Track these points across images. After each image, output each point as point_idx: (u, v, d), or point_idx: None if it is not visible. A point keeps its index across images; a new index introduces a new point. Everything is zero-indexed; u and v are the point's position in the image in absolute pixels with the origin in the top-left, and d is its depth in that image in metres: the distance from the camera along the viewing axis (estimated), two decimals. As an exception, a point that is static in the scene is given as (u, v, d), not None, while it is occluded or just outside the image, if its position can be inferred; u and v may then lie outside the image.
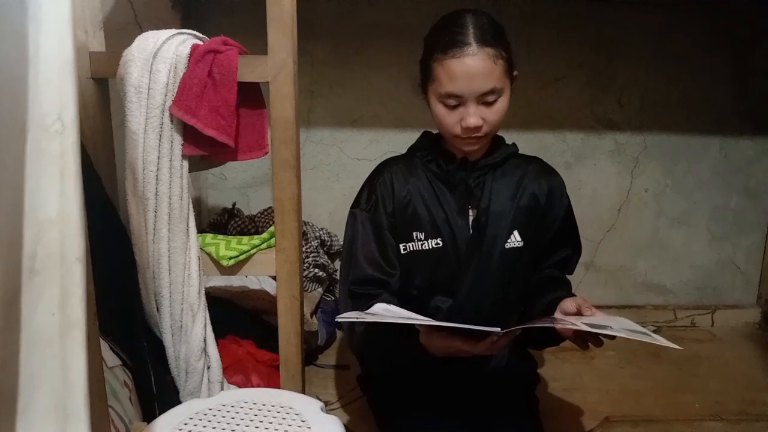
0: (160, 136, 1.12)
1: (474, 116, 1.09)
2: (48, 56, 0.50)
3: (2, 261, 0.48)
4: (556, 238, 1.27)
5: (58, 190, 0.50)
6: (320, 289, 1.81)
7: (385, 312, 1.09)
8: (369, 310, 1.09)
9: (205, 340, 1.23)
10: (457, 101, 1.10)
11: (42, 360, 0.50)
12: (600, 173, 2.03)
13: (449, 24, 1.10)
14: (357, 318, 1.05)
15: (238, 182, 1.99)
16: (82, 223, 0.52)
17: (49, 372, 0.50)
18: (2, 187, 0.49)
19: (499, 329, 0.98)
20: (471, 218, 1.22)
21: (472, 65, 1.06)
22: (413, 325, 1.09)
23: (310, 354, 1.73)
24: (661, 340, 0.98)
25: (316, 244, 1.85)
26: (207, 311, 1.23)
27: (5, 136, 0.50)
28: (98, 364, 0.69)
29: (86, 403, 0.49)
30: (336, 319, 1.09)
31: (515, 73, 1.15)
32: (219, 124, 1.13)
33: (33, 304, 0.50)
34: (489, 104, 1.10)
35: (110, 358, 1.12)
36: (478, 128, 1.11)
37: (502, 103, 1.11)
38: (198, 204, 1.96)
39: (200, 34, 1.18)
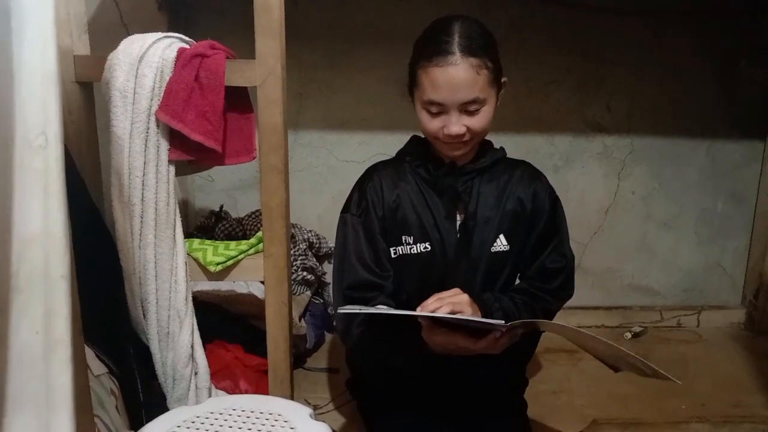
0: (146, 141, 1.11)
1: (456, 124, 1.10)
2: (31, 69, 0.49)
3: (-17, 280, 0.47)
4: (538, 244, 1.26)
5: (42, 207, 0.49)
6: (309, 292, 1.80)
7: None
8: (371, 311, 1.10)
9: (192, 347, 1.22)
10: (439, 109, 1.10)
11: (26, 379, 0.49)
12: (588, 176, 2.04)
13: (437, 31, 1.10)
14: (359, 311, 1.06)
15: (226, 185, 1.98)
16: (66, 240, 0.50)
17: (33, 391, 0.49)
18: (-18, 204, 0.48)
19: (503, 322, 1.00)
20: (458, 222, 1.22)
21: (454, 75, 1.06)
22: (412, 323, 1.09)
23: (298, 357, 1.72)
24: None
25: (305, 247, 1.84)
26: (194, 317, 1.22)
27: (-13, 151, 0.49)
28: (84, 380, 0.68)
29: (72, 424, 0.48)
30: (338, 311, 1.09)
31: (504, 80, 1.15)
32: (206, 129, 1.12)
33: (17, 323, 0.49)
34: (471, 113, 1.10)
35: (96, 365, 1.11)
36: (460, 135, 1.11)
37: (485, 113, 1.11)
38: (185, 206, 1.94)
39: (187, 38, 1.17)
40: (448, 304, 1.06)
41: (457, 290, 1.12)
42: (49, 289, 0.49)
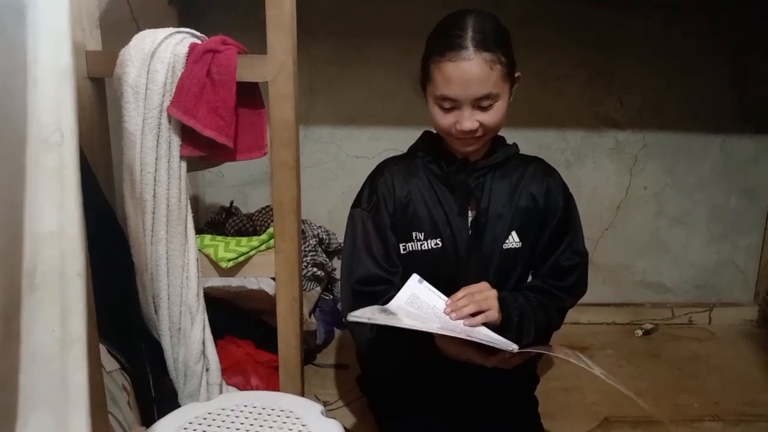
0: (158, 136, 1.11)
1: (469, 120, 1.09)
2: (46, 65, 0.48)
3: (0, 277, 0.47)
4: (552, 241, 1.25)
5: (58, 203, 0.49)
6: (318, 288, 1.80)
7: (409, 306, 1.10)
8: (390, 305, 1.10)
9: (203, 343, 1.22)
10: (452, 104, 1.09)
11: (41, 377, 0.49)
12: (600, 171, 2.02)
13: (450, 25, 1.09)
14: (368, 320, 1.05)
15: (236, 180, 1.97)
16: (82, 237, 0.50)
17: (49, 389, 0.49)
18: (-1, 201, 0.47)
19: (515, 347, 1.01)
20: (470, 219, 1.21)
21: (467, 70, 1.05)
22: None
23: (308, 353, 1.72)
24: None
25: (315, 243, 1.84)
26: (206, 313, 1.22)
27: (1, 148, 0.48)
28: (99, 378, 0.68)
29: (88, 422, 0.48)
30: (348, 318, 1.08)
31: (518, 74, 1.14)
32: (218, 124, 1.11)
33: (32, 321, 0.48)
34: (484, 108, 1.09)
35: (108, 361, 1.11)
36: (473, 131, 1.10)
37: (498, 108, 1.10)
38: (195, 202, 1.95)
39: (198, 33, 1.16)
40: (475, 303, 1.07)
41: (485, 284, 1.12)
42: (65, 287, 0.49)
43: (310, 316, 1.69)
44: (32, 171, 0.49)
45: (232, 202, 1.86)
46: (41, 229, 0.49)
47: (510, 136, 1.26)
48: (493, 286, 1.19)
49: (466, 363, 1.12)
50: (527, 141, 1.91)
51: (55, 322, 0.49)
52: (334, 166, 1.98)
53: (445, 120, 1.11)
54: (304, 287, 1.73)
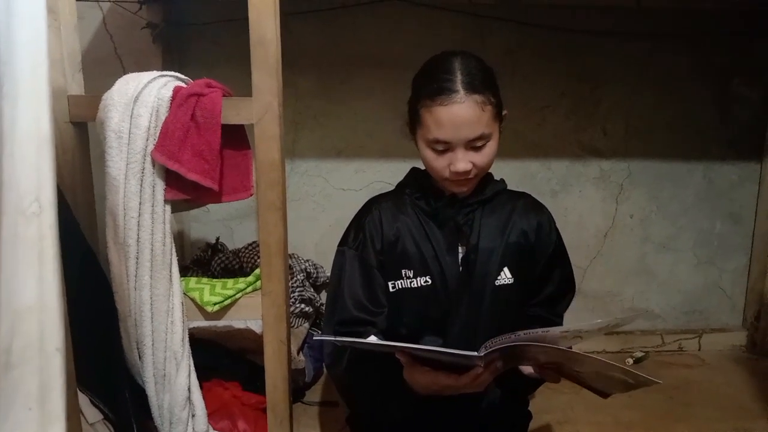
0: (142, 181, 1.09)
1: (462, 161, 1.09)
2: (24, 135, 0.47)
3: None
4: (545, 274, 1.25)
5: (36, 275, 0.47)
6: (306, 324, 1.77)
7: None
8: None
9: (189, 389, 1.19)
10: (445, 147, 1.09)
11: (18, 461, 0.46)
12: (585, 200, 2.03)
13: (437, 69, 1.09)
14: (334, 339, 1.05)
15: (222, 215, 1.95)
16: (61, 310, 0.48)
17: (26, 475, 0.46)
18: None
19: (476, 353, 0.97)
20: (460, 255, 1.20)
21: (459, 113, 1.05)
22: (397, 363, 1.07)
23: (297, 391, 1.69)
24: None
25: (302, 278, 1.82)
26: (191, 358, 1.20)
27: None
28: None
29: None
30: (314, 338, 1.07)
31: (505, 112, 1.15)
32: (203, 168, 1.10)
33: (9, 401, 0.46)
34: (477, 149, 1.09)
35: (91, 413, 1.08)
36: (467, 172, 1.10)
37: (490, 147, 1.10)
38: (180, 238, 1.92)
39: (183, 76, 1.16)
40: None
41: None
42: (44, 363, 0.47)
43: (298, 354, 1.66)
44: (9, 242, 0.48)
45: (218, 239, 1.83)
46: (19, 302, 0.47)
47: (495, 166, 1.25)
48: (486, 322, 1.18)
49: (438, 395, 1.09)
50: (513, 171, 1.93)
51: (32, 400, 0.46)
52: (321, 199, 1.97)
53: (438, 162, 1.11)
54: (292, 324, 1.70)
